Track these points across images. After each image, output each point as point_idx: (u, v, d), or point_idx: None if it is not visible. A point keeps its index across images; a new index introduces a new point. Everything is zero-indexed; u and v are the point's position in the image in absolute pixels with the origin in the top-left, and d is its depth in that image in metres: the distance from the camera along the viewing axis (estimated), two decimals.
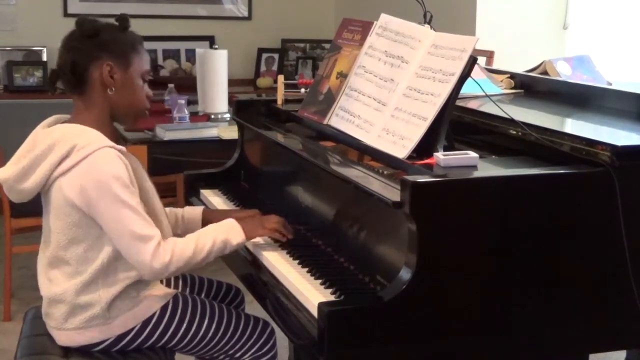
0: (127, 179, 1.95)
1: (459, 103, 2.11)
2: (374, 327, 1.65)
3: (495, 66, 3.88)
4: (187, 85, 4.72)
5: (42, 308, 2.12)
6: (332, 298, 1.77)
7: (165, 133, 3.52)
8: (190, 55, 5.66)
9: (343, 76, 2.27)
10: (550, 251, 1.76)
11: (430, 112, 1.91)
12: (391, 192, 1.73)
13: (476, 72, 2.11)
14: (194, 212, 2.34)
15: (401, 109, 2.00)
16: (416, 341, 1.69)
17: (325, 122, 2.26)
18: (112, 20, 2.10)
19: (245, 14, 5.97)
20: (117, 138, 2.09)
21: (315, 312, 1.69)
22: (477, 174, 1.78)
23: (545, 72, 2.91)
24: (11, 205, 3.57)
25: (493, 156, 1.98)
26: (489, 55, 4.13)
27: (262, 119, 2.70)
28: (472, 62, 1.91)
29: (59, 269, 2.04)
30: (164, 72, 5.65)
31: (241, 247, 2.13)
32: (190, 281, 2.40)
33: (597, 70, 2.97)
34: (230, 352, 2.17)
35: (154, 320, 2.08)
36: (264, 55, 5.94)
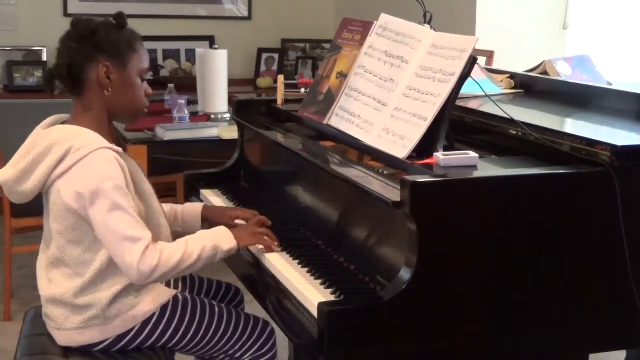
0: (122, 180, 1.94)
1: (459, 103, 2.11)
2: (373, 327, 1.65)
3: (495, 66, 3.87)
4: (187, 85, 4.71)
5: (42, 308, 2.12)
6: (332, 298, 1.77)
7: (165, 133, 3.51)
8: (190, 55, 5.65)
9: (343, 76, 2.27)
10: (550, 251, 1.75)
11: (430, 112, 1.91)
12: (391, 192, 1.73)
13: (476, 72, 2.11)
14: (194, 208, 2.35)
15: (401, 109, 2.00)
16: (416, 341, 1.69)
17: (325, 122, 2.26)
18: (109, 19, 2.07)
19: (245, 14, 5.96)
20: (116, 139, 2.09)
21: (315, 312, 1.69)
22: (477, 174, 1.77)
23: (545, 72, 2.91)
24: (11, 205, 3.57)
25: (493, 156, 1.98)
26: (489, 55, 4.13)
27: (262, 119, 2.70)
28: (472, 62, 1.91)
29: (58, 270, 2.04)
30: (164, 72, 5.64)
31: (233, 253, 2.08)
32: (190, 281, 2.40)
33: (597, 70, 2.97)
34: (230, 352, 2.17)
35: (154, 320, 2.08)
36: (264, 55, 5.93)
